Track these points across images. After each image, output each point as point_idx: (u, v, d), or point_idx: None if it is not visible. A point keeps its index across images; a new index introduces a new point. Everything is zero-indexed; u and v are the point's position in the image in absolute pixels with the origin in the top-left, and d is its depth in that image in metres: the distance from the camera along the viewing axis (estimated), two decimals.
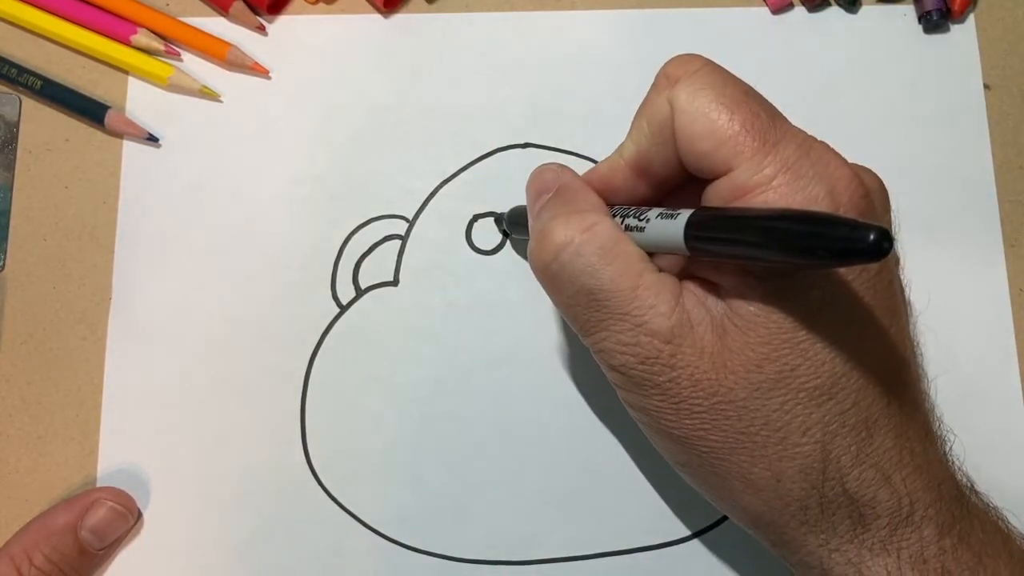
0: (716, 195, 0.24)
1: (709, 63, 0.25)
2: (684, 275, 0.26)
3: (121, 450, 0.35)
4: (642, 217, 0.26)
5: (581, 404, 0.35)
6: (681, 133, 0.25)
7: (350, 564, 0.34)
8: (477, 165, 0.37)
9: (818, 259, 0.20)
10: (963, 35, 0.38)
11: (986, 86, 0.38)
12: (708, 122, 0.24)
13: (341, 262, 0.36)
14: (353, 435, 0.35)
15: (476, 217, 0.37)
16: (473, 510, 0.34)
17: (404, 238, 0.36)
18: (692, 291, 0.25)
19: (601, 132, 0.37)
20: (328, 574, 0.34)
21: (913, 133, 0.37)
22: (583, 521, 0.34)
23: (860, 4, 0.39)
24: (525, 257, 0.36)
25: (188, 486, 0.34)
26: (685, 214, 0.24)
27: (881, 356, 0.24)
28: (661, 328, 0.24)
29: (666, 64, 0.26)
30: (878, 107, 0.38)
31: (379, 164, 0.37)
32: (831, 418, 0.23)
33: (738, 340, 0.24)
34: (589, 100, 0.38)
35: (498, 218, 0.36)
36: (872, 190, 0.24)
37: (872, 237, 0.18)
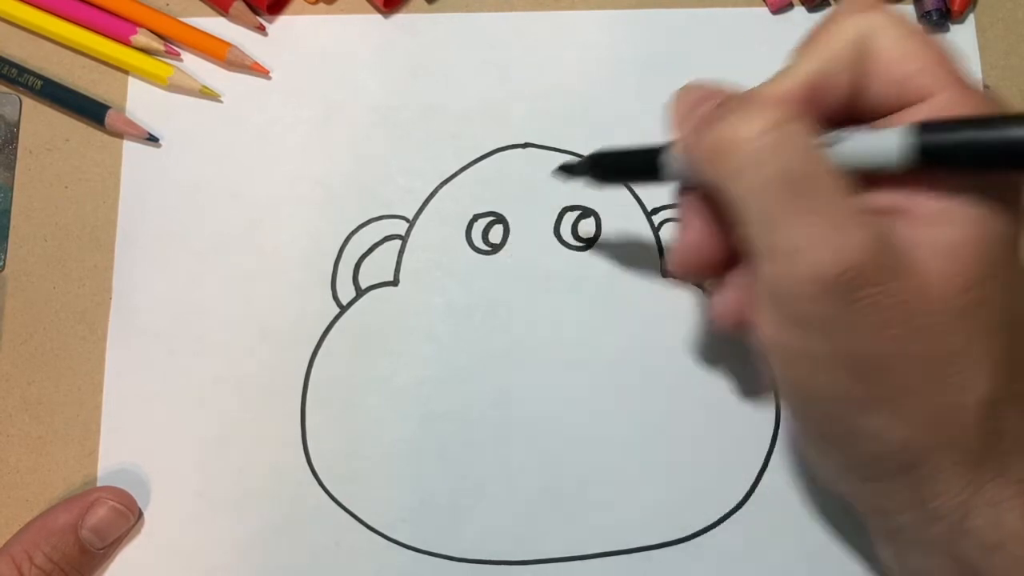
0: (914, 116, 0.24)
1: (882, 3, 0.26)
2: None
3: (121, 450, 0.35)
4: (847, 130, 0.24)
5: (581, 404, 0.35)
6: (883, 53, 0.24)
7: (350, 564, 0.34)
8: (477, 165, 0.37)
9: None
10: (963, 35, 0.38)
11: (986, 86, 0.38)
12: (916, 44, 0.24)
13: (341, 262, 0.36)
14: (353, 435, 0.35)
15: (476, 217, 0.37)
16: (473, 510, 0.34)
17: (404, 238, 0.37)
18: (899, 209, 0.24)
19: (601, 132, 0.37)
20: (328, 574, 0.34)
21: None
22: (583, 521, 0.34)
23: None
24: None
25: (188, 486, 0.34)
26: (903, 128, 0.23)
27: None
28: (870, 232, 0.23)
29: (844, 1, 0.26)
30: None
31: (379, 164, 0.37)
32: (1004, 356, 0.24)
33: (946, 261, 0.23)
34: (589, 100, 0.38)
35: (567, 166, 0.33)
36: None
37: None
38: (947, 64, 0.24)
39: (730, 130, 0.24)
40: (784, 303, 0.24)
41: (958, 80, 0.24)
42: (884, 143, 0.23)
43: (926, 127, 0.23)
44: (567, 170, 0.33)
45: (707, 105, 0.27)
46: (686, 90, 0.28)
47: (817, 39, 0.25)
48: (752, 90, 0.26)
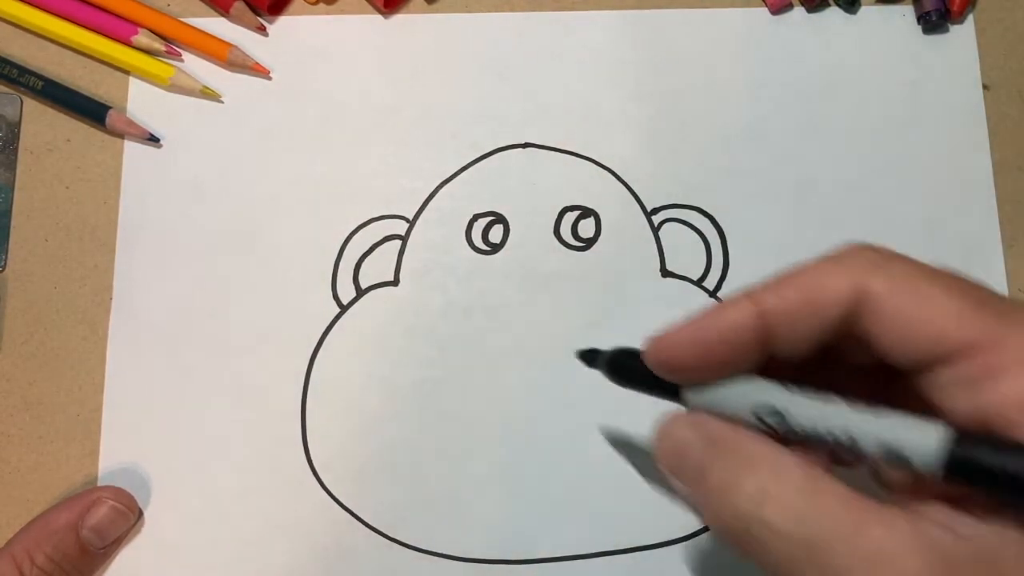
0: (957, 381, 0.21)
1: (898, 253, 0.23)
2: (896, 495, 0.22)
3: (121, 450, 0.35)
4: (872, 408, 0.21)
5: (581, 404, 0.35)
6: (892, 318, 0.21)
7: (350, 564, 0.34)
8: (477, 165, 0.37)
9: None
10: (962, 36, 0.38)
11: (985, 87, 0.38)
12: (933, 304, 0.21)
13: (341, 262, 0.36)
14: (353, 435, 0.35)
15: (476, 217, 0.37)
16: (473, 510, 0.34)
17: (404, 238, 0.37)
18: (931, 516, 0.20)
19: (601, 132, 0.37)
20: (328, 574, 0.34)
21: (912, 133, 0.37)
22: (583, 521, 0.34)
23: (859, 4, 0.39)
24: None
25: (188, 486, 0.34)
26: (937, 427, 0.20)
27: None
28: (914, 567, 0.19)
29: (848, 247, 0.23)
30: (877, 107, 0.38)
31: (379, 164, 0.37)
32: None
33: (1019, 561, 0.19)
34: (589, 100, 0.38)
35: (587, 355, 0.29)
36: None
37: None
38: (987, 307, 0.21)
39: (725, 510, 0.22)
40: None
41: (998, 326, 0.20)
42: (921, 442, 0.20)
43: (958, 441, 0.19)
44: (586, 358, 0.29)
45: (697, 453, 0.23)
46: (664, 433, 0.25)
47: (793, 283, 0.23)
48: (697, 321, 0.24)
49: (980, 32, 0.38)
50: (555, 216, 0.37)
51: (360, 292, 0.36)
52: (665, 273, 0.36)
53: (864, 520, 0.20)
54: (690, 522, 0.34)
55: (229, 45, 0.37)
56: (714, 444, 0.23)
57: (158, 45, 0.37)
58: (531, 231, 0.36)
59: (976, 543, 0.19)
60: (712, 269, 0.36)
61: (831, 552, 0.20)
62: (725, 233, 0.36)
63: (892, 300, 0.21)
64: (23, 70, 0.37)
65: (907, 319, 0.21)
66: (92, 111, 0.37)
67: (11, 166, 0.37)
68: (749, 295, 0.23)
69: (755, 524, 0.21)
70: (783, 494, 0.21)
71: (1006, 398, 0.20)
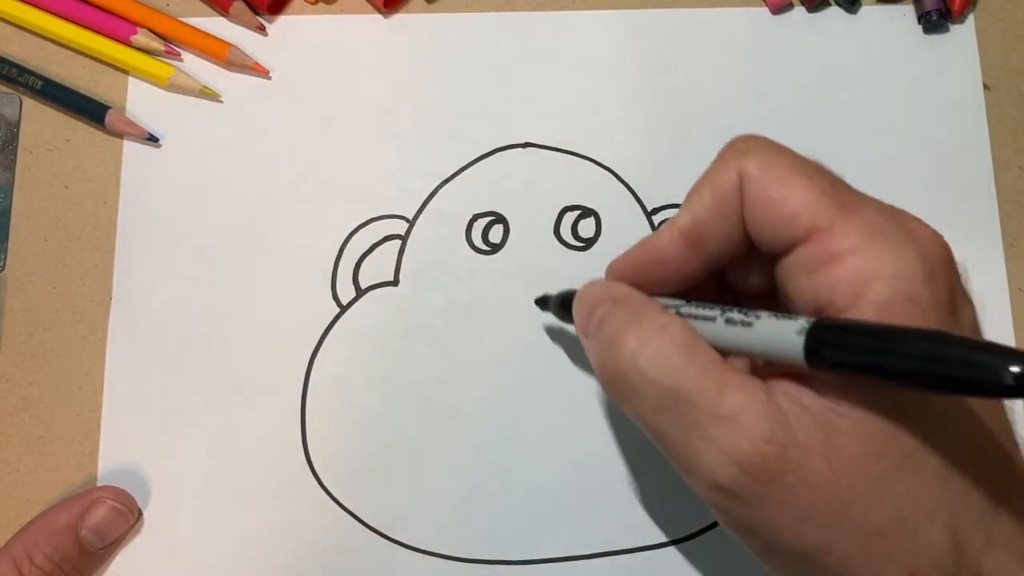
0: (798, 265, 0.23)
1: (775, 141, 0.25)
2: (760, 373, 0.24)
3: (121, 450, 0.35)
4: (749, 314, 0.23)
5: (581, 404, 0.35)
6: (755, 201, 0.24)
7: (350, 564, 0.34)
8: (477, 165, 0.37)
9: (978, 394, 0.19)
10: (962, 35, 0.38)
11: (985, 86, 0.38)
12: (786, 188, 0.23)
13: (341, 262, 0.36)
14: (353, 435, 0.35)
15: (476, 217, 0.37)
16: (473, 510, 0.34)
17: (404, 238, 0.37)
18: (780, 388, 0.23)
19: (601, 132, 0.37)
20: (328, 574, 0.34)
21: (913, 133, 0.37)
22: (583, 521, 0.34)
23: (860, 4, 0.39)
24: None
25: (188, 486, 0.34)
26: (798, 323, 0.22)
27: (989, 426, 0.23)
28: (760, 429, 0.22)
29: (732, 140, 0.25)
30: (878, 107, 0.38)
31: (379, 164, 0.37)
32: (956, 497, 0.22)
33: (850, 432, 0.22)
34: (589, 100, 0.38)
35: (541, 300, 0.34)
36: (951, 250, 0.23)
37: None
38: (829, 195, 0.23)
39: (609, 358, 0.25)
40: (714, 505, 0.24)
41: (839, 213, 0.22)
42: (788, 337, 0.22)
43: (814, 328, 0.21)
44: (541, 303, 0.34)
45: (602, 308, 0.26)
46: (583, 293, 0.28)
47: (702, 185, 0.25)
48: (635, 248, 0.27)
49: (980, 32, 0.38)
50: (555, 216, 0.37)
51: (360, 292, 0.36)
52: None
53: (727, 383, 0.23)
54: (690, 522, 0.34)
55: (229, 45, 0.37)
56: (615, 301, 0.26)
57: (157, 45, 0.37)
58: (531, 231, 0.36)
59: (815, 413, 0.22)
60: None
61: (694, 405, 0.23)
62: None
63: (759, 182, 0.24)
64: (22, 70, 0.37)
65: (767, 201, 0.23)
66: (91, 111, 0.37)
67: (10, 166, 0.37)
68: (672, 220, 0.26)
69: (633, 371, 0.24)
70: (662, 348, 0.24)
71: (837, 283, 0.22)
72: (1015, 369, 0.18)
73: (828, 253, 0.22)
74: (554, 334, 0.36)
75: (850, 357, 0.21)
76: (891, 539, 0.22)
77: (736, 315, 0.24)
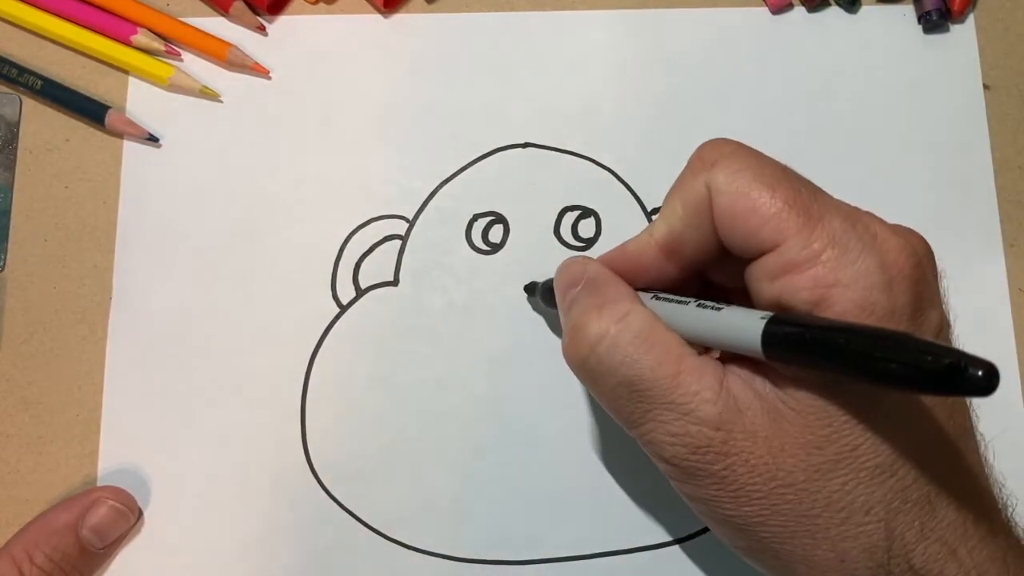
0: (763, 272, 0.24)
1: (743, 145, 0.25)
2: (726, 357, 0.25)
3: (121, 450, 0.35)
4: (720, 304, 0.25)
5: (581, 404, 0.35)
6: (722, 214, 0.24)
7: (350, 564, 0.34)
8: (477, 165, 0.37)
9: (922, 390, 0.20)
10: (963, 35, 0.38)
11: (986, 86, 0.38)
12: (750, 201, 0.24)
13: (341, 262, 0.36)
14: (353, 435, 0.35)
15: (476, 217, 0.37)
16: (473, 510, 0.34)
17: (404, 238, 0.37)
18: (737, 373, 0.25)
19: (601, 132, 0.37)
20: (328, 574, 0.34)
21: (913, 133, 0.37)
22: (583, 521, 0.34)
23: (860, 4, 0.39)
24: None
25: (188, 486, 0.34)
26: (759, 316, 0.23)
27: (941, 427, 0.24)
28: (708, 414, 0.24)
29: (700, 148, 0.26)
30: (878, 107, 0.38)
31: (379, 164, 0.37)
32: (893, 495, 0.23)
33: (794, 423, 0.23)
34: (589, 100, 0.38)
35: (529, 287, 0.35)
36: (921, 256, 0.24)
37: (981, 374, 0.18)
38: (793, 205, 0.24)
39: (571, 343, 0.26)
40: (666, 474, 0.26)
41: (803, 222, 0.23)
42: (749, 330, 0.23)
43: (769, 325, 0.22)
44: (529, 289, 0.35)
45: (574, 290, 0.28)
46: (562, 268, 0.29)
47: (673, 196, 0.26)
48: (612, 253, 0.28)
49: (980, 32, 0.38)
50: (555, 216, 0.37)
51: (360, 292, 0.36)
52: None
53: (683, 370, 0.24)
54: (690, 522, 0.34)
55: (229, 45, 0.37)
56: (587, 283, 0.27)
57: (157, 45, 0.37)
58: (531, 231, 0.36)
59: (766, 400, 0.24)
60: None
61: (648, 393, 0.25)
62: None
63: (726, 196, 0.24)
64: (22, 70, 0.37)
65: (733, 215, 0.24)
66: (91, 111, 0.37)
67: (10, 166, 0.37)
68: (649, 230, 0.27)
69: (592, 358, 0.26)
70: (619, 338, 0.25)
71: (797, 291, 0.23)
72: (942, 363, 0.18)
73: (790, 263, 0.23)
74: (554, 334, 0.36)
75: (799, 349, 0.22)
76: (822, 524, 0.23)
77: (708, 303, 0.25)
